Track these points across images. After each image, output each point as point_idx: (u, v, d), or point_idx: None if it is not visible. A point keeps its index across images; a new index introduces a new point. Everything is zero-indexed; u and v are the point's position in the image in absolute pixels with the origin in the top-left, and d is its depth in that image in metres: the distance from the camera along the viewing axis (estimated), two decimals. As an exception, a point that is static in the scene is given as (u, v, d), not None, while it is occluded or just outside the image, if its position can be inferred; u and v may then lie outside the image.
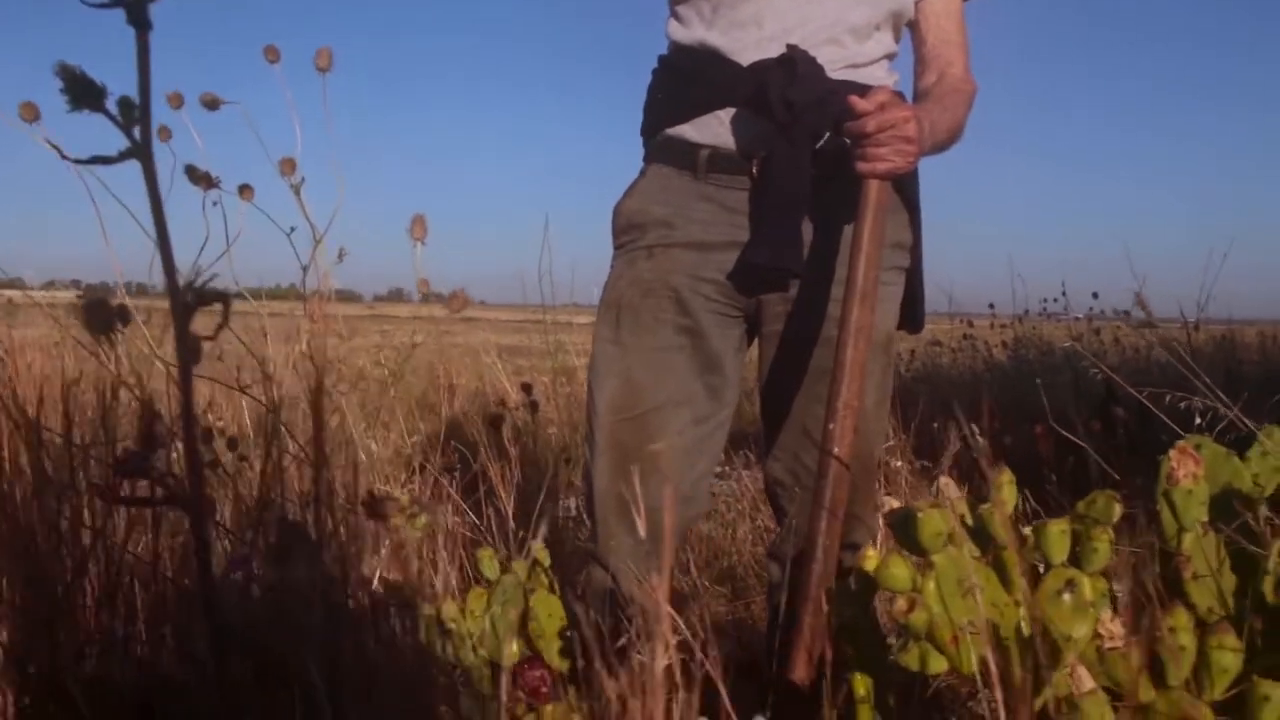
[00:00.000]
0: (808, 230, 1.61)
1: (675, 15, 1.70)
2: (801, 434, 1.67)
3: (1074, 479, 3.75)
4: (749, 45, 1.59)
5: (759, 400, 1.76)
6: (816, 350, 1.64)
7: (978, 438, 3.94)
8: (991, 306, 6.68)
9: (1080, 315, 6.15)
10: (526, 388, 4.10)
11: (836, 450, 1.43)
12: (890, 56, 1.70)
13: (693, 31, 1.65)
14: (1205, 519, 0.88)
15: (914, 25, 1.71)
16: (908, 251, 1.70)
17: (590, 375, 1.67)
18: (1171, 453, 0.90)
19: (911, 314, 1.73)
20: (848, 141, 1.46)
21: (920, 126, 1.44)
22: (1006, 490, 0.90)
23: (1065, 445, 3.83)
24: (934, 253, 1.73)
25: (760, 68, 1.55)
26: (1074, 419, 4.13)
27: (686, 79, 1.65)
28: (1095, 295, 6.22)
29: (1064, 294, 6.12)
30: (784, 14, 1.58)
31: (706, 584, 3.09)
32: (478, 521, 2.91)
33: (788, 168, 1.54)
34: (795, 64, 1.50)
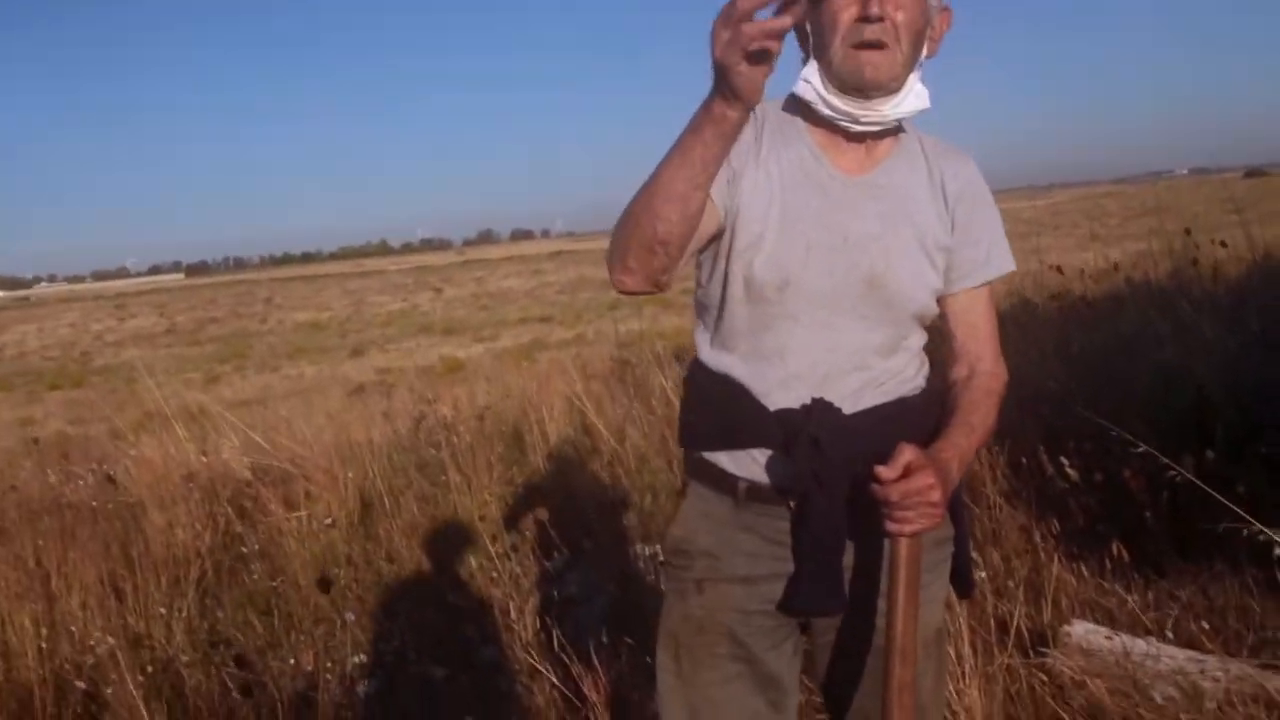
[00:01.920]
0: (849, 550, 1.64)
1: (702, 325, 1.72)
2: None
3: (1175, 514, 3.66)
4: (774, 384, 1.61)
5: (821, 693, 1.81)
6: (869, 658, 1.70)
7: (1068, 470, 3.88)
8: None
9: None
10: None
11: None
12: (922, 345, 1.72)
13: (718, 355, 1.67)
14: None
15: (942, 317, 1.72)
16: (950, 540, 1.73)
17: (659, 701, 1.74)
18: None
19: (960, 581, 1.76)
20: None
21: (945, 485, 1.46)
22: None
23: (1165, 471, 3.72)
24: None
25: (788, 422, 1.58)
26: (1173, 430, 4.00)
27: (717, 409, 1.67)
28: None
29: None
30: (807, 347, 1.60)
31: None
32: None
33: (823, 518, 1.57)
34: (819, 443, 1.53)
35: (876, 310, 1.61)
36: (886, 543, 1.60)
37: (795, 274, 1.57)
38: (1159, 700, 2.61)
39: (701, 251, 1.63)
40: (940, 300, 1.69)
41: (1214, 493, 2.87)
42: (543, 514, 4.63)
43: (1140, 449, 3.09)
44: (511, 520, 4.85)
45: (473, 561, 4.37)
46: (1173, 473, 3.49)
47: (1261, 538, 2.56)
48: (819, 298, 1.59)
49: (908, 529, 1.44)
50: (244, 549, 4.57)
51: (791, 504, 1.61)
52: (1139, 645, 2.85)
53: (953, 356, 1.73)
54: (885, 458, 1.46)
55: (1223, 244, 7.95)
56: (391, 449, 6.06)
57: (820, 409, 1.56)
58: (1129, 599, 3.26)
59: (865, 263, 1.59)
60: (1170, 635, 2.99)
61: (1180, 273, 8.11)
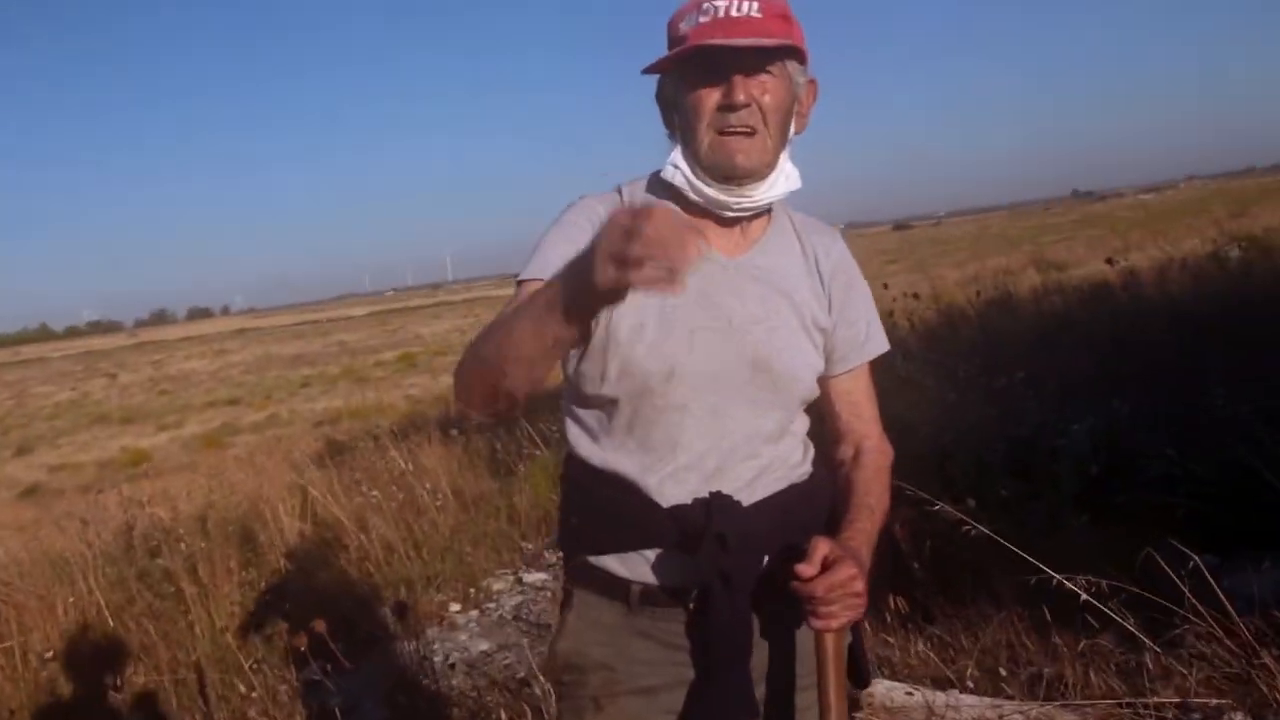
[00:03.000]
0: (760, 650, 1.57)
1: (578, 420, 1.61)
2: None
3: (939, 563, 3.84)
4: (665, 477, 1.53)
5: None
6: None
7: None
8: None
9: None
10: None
11: None
12: (805, 430, 1.68)
13: (601, 450, 1.57)
14: None
15: (824, 398, 1.69)
16: (848, 630, 1.67)
17: None
18: None
19: (857, 672, 1.71)
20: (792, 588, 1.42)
21: (864, 573, 1.43)
22: None
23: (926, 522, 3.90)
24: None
25: (685, 519, 1.50)
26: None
27: (602, 509, 1.57)
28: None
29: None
30: (697, 437, 1.53)
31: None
32: None
33: (729, 619, 1.49)
34: (725, 540, 1.46)
35: (765, 394, 1.56)
36: (796, 638, 1.55)
37: (681, 362, 1.51)
38: (974, 752, 2.69)
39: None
40: (821, 382, 1.66)
41: (1003, 540, 3.00)
42: (301, 620, 4.30)
43: (936, 506, 3.21)
44: (259, 629, 4.49)
45: (236, 683, 3.99)
46: (936, 524, 3.68)
47: (1060, 585, 2.69)
48: (707, 384, 1.52)
49: (834, 624, 1.40)
50: (-57, 699, 3.98)
51: (691, 605, 1.53)
52: (939, 698, 2.93)
53: (837, 436, 1.70)
54: (789, 550, 1.42)
55: (915, 295, 8.58)
56: (102, 561, 5.48)
57: (720, 504, 1.49)
58: (913, 649, 3.37)
59: (750, 346, 1.54)
60: (971, 685, 3.11)
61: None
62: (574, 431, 1.62)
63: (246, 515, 6.00)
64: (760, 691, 1.58)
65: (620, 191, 1.61)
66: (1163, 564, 2.63)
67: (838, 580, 1.37)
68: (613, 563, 1.57)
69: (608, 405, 1.55)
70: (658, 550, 1.54)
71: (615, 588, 1.57)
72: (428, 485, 6.17)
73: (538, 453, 6.83)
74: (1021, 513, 4.10)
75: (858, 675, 1.71)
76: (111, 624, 4.58)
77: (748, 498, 1.54)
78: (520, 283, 1.50)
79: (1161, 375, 6.17)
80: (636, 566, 1.55)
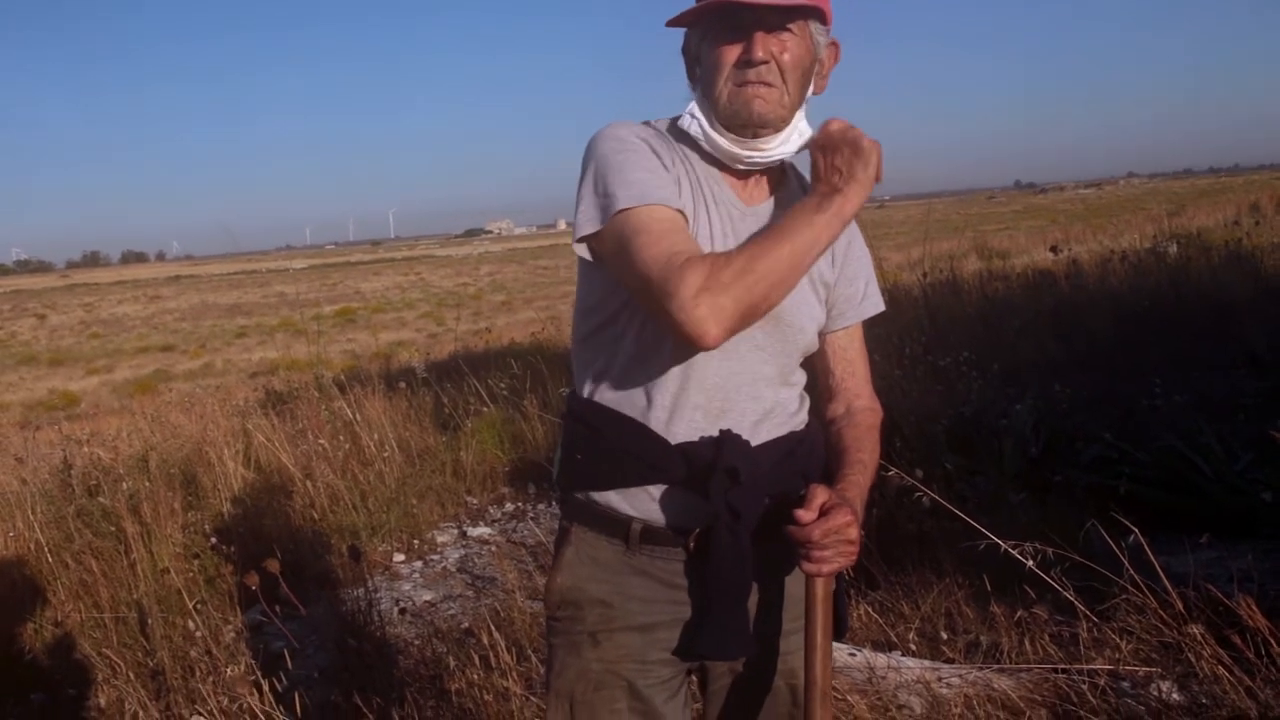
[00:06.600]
0: (751, 596, 1.61)
1: (588, 357, 1.64)
2: None
3: (884, 531, 3.93)
4: (673, 414, 1.55)
5: None
6: (768, 699, 1.68)
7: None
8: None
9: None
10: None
11: None
12: (803, 383, 1.71)
13: (610, 386, 1.60)
14: None
15: (819, 354, 1.72)
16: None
17: None
18: None
19: (838, 622, 1.73)
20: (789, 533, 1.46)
21: (859, 523, 1.46)
22: None
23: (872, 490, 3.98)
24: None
25: (694, 455, 1.53)
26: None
27: (608, 444, 1.60)
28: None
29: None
30: (705, 375, 1.56)
31: None
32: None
33: (731, 556, 1.52)
34: (737, 474, 1.48)
35: (771, 341, 1.59)
36: (787, 582, 1.60)
37: None
38: (918, 710, 2.77)
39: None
40: (818, 338, 1.69)
41: (945, 503, 3.08)
42: (247, 563, 4.30)
43: (890, 471, 3.28)
44: (203, 570, 4.48)
45: (180, 621, 3.98)
46: (883, 492, 3.76)
47: (1000, 557, 2.77)
48: None
49: (826, 569, 1.44)
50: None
51: (691, 544, 1.56)
52: (881, 659, 3.01)
53: (829, 394, 1.73)
54: (785, 496, 1.46)
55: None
56: (36, 498, 5.40)
57: (730, 440, 1.52)
58: (856, 613, 3.46)
59: None
60: (912, 648, 3.19)
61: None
62: (582, 368, 1.65)
63: (189, 458, 5.95)
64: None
65: (651, 125, 1.63)
66: (1105, 536, 2.72)
67: (833, 526, 1.41)
68: (615, 499, 1.59)
69: (621, 339, 1.57)
70: (663, 487, 1.56)
71: (615, 525, 1.60)
72: (375, 437, 6.15)
73: (484, 409, 6.85)
74: (963, 487, 4.23)
75: (838, 625, 1.75)
76: (50, 560, 4.53)
77: (752, 439, 1.57)
78: (621, 212, 1.46)
79: (1100, 363, 6.36)
80: (640, 503, 1.58)
